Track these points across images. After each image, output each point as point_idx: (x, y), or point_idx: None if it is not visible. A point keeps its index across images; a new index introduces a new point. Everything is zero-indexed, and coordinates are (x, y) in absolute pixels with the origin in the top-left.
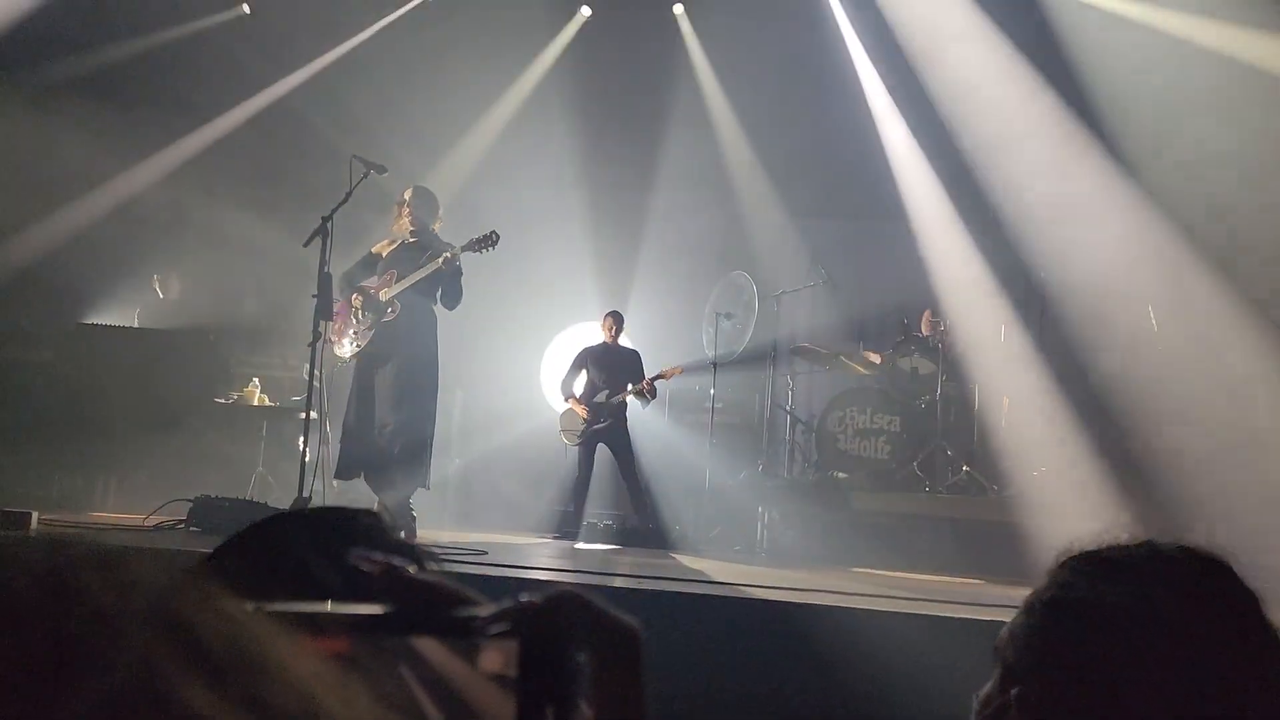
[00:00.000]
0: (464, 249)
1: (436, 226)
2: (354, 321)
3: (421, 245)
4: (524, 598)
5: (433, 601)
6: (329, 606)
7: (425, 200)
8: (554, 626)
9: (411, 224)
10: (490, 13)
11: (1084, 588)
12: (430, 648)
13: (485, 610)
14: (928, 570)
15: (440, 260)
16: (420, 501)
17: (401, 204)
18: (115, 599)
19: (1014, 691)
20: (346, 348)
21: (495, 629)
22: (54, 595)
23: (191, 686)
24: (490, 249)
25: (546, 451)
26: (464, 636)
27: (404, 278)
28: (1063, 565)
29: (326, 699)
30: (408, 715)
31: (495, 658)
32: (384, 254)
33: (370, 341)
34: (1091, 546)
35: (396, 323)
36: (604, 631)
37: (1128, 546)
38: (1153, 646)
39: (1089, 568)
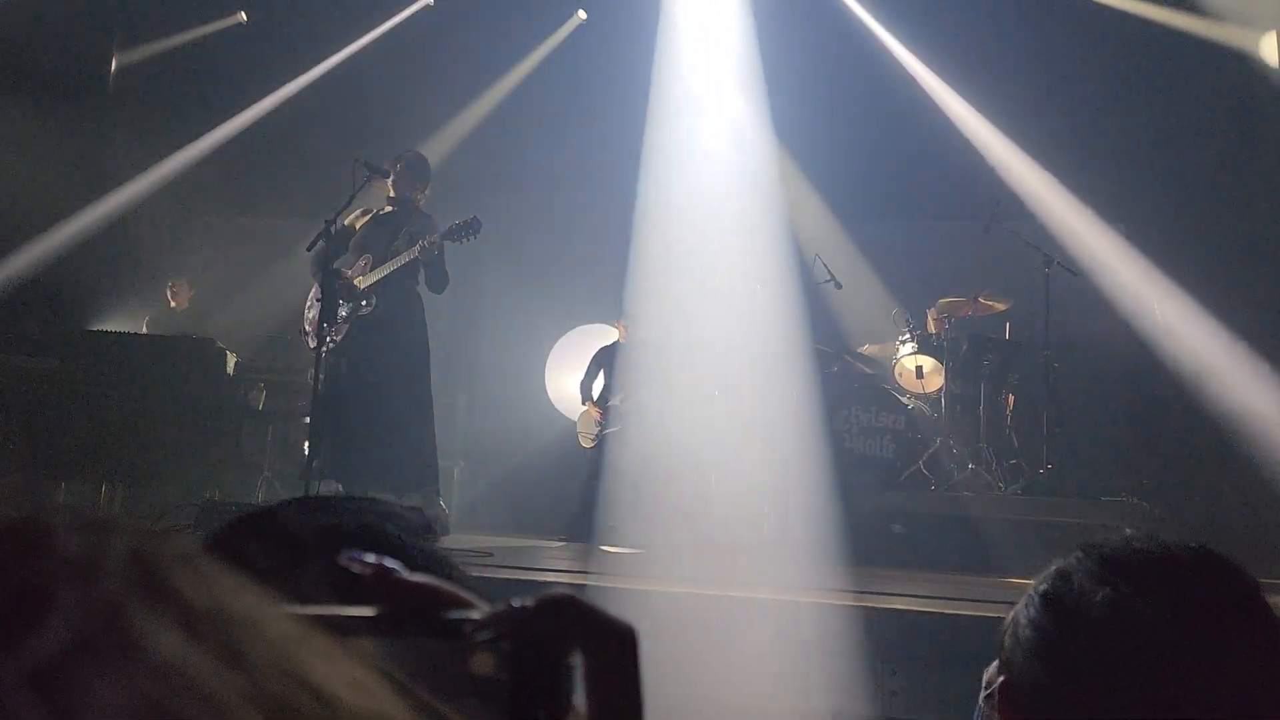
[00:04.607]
0: (444, 238)
1: (420, 199)
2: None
3: (397, 219)
4: (516, 601)
5: (425, 604)
6: (317, 609)
7: (415, 169)
8: (547, 629)
9: (393, 191)
10: (492, 12)
11: (1077, 583)
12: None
13: (478, 613)
14: (935, 569)
15: (417, 249)
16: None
17: (393, 165)
18: (88, 547)
19: (1000, 679)
20: (317, 339)
21: (487, 633)
22: (23, 542)
23: (163, 636)
24: (473, 237)
25: (552, 453)
26: (456, 640)
27: (380, 261)
28: (1066, 559)
29: (305, 656)
30: (392, 680)
31: (488, 661)
32: (357, 227)
33: (346, 335)
34: (1099, 542)
35: (375, 314)
36: (599, 633)
37: (1132, 543)
38: (1140, 649)
39: (1088, 564)
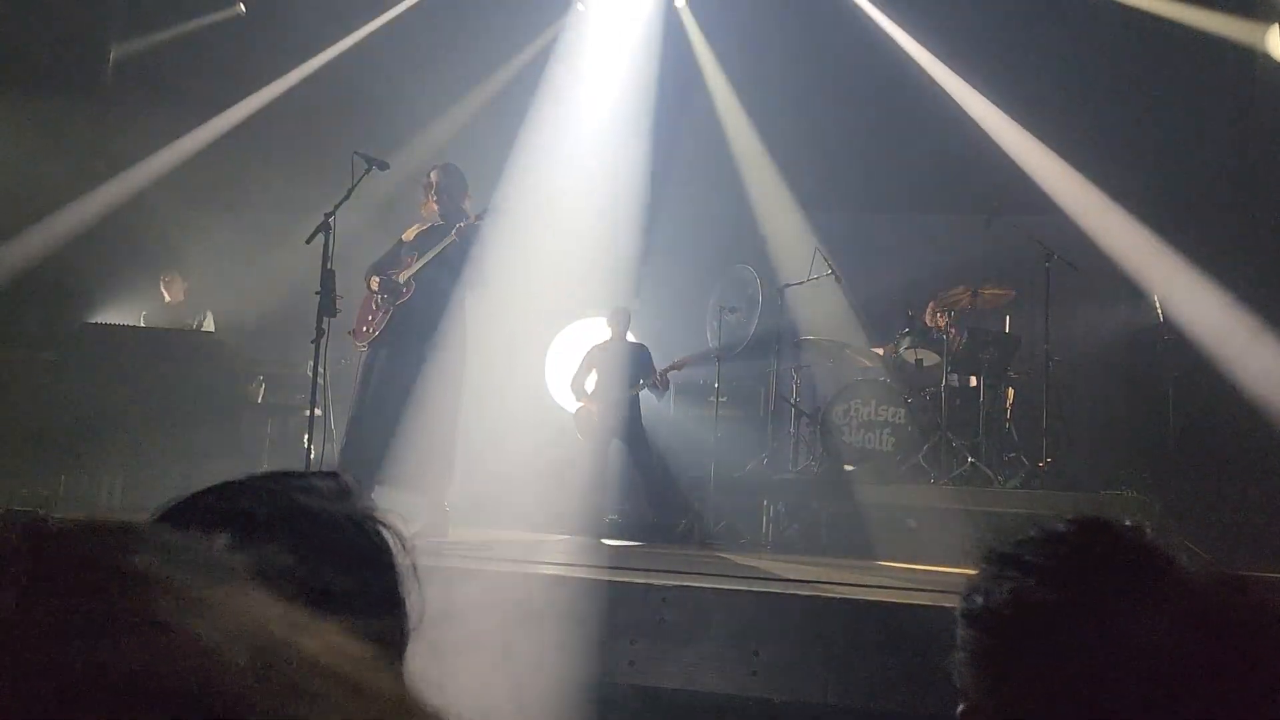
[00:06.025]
0: (479, 218)
1: (467, 204)
2: (373, 307)
3: (448, 226)
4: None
5: None
6: None
7: (454, 180)
8: None
9: (440, 207)
10: (492, 3)
11: (983, 590)
12: None
13: None
14: (932, 562)
15: (454, 230)
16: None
17: (429, 186)
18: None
19: (959, 709)
20: (367, 336)
21: None
22: None
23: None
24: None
25: (553, 447)
26: None
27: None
28: (975, 571)
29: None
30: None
31: None
32: (411, 238)
33: (386, 327)
34: (993, 544)
35: (413, 304)
36: None
37: (1022, 534)
38: (1048, 630)
39: (988, 569)
